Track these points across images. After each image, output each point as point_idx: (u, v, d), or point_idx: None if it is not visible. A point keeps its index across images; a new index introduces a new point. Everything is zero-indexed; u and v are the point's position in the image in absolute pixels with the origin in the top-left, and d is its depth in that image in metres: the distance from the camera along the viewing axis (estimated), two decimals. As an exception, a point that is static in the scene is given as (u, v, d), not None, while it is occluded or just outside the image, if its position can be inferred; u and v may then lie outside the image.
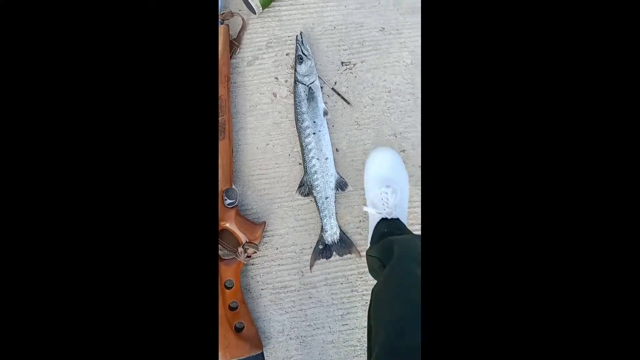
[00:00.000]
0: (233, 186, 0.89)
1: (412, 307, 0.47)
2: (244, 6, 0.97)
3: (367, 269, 0.83)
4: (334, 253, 0.92)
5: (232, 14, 0.98)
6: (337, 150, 0.94)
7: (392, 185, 0.78)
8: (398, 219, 0.77)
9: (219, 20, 0.93)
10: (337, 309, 0.92)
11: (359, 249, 0.91)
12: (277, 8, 0.98)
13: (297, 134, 0.93)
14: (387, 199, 0.77)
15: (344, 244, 0.92)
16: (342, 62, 0.96)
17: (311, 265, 0.92)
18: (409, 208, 0.91)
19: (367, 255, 0.76)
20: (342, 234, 0.92)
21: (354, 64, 0.96)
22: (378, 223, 0.80)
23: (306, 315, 0.92)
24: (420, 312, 0.40)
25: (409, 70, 0.96)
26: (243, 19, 0.98)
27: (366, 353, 0.52)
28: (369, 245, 0.83)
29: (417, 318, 0.44)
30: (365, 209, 0.83)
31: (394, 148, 0.89)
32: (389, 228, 0.75)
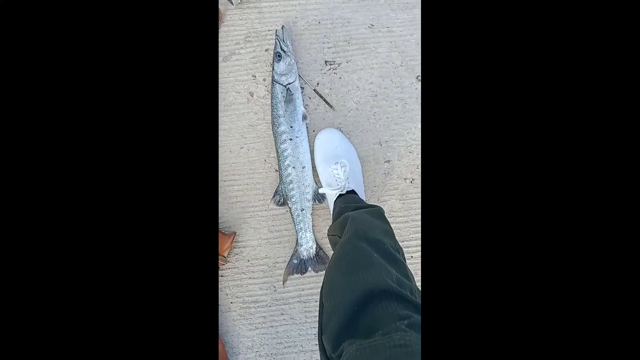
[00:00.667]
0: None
1: (361, 290, 0.48)
2: (221, -5, 0.89)
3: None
4: (309, 268, 0.86)
5: (207, 4, 0.89)
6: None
7: (339, 161, 0.80)
8: (353, 190, 0.79)
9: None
10: (310, 327, 0.87)
11: (335, 265, 0.86)
12: (258, -2, 0.90)
13: (273, 138, 0.86)
14: (339, 174, 0.79)
15: (320, 260, 0.86)
16: (325, 61, 0.88)
17: (284, 280, 0.87)
18: (404, 223, 0.85)
19: (328, 235, 0.77)
20: (319, 248, 0.86)
21: (339, 64, 0.88)
22: (335, 201, 0.78)
23: (277, 332, 0.87)
24: (370, 295, 0.46)
25: (398, 73, 0.87)
26: (220, 10, 0.89)
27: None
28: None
29: (369, 301, 0.46)
30: (321, 190, 0.82)
31: (334, 126, 0.88)
32: (345, 203, 0.75)
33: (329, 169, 0.81)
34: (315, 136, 0.86)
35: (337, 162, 0.79)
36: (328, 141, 0.84)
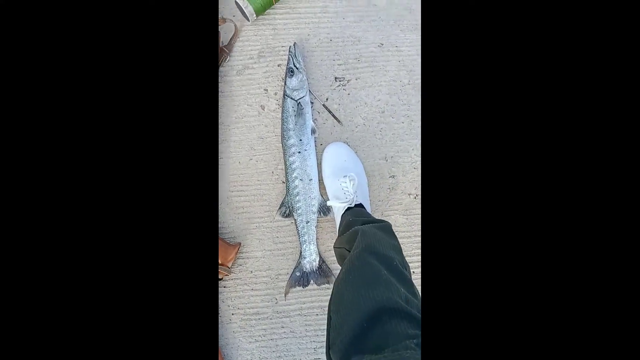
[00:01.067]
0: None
1: (371, 307, 0.48)
2: (238, 12, 0.92)
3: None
4: (312, 282, 0.86)
5: (224, 20, 0.93)
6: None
7: (348, 174, 0.80)
8: (361, 204, 0.80)
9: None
10: (310, 342, 0.86)
11: (338, 279, 0.85)
12: (273, 16, 0.93)
13: (282, 150, 0.87)
14: (347, 187, 0.80)
15: (323, 273, 0.85)
16: (335, 78, 0.91)
17: (286, 293, 0.86)
18: (407, 238, 0.85)
19: (334, 247, 0.76)
20: (322, 262, 0.86)
21: (348, 80, 0.90)
22: (343, 214, 0.78)
23: (277, 345, 0.86)
24: (379, 312, 0.46)
25: (405, 91, 0.89)
26: (235, 26, 0.93)
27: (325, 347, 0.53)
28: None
29: (378, 318, 0.46)
30: (329, 203, 0.82)
31: (342, 141, 0.89)
32: (353, 216, 0.75)
33: (337, 182, 0.82)
34: (322, 150, 0.87)
35: (346, 176, 0.80)
36: (336, 155, 0.86)
